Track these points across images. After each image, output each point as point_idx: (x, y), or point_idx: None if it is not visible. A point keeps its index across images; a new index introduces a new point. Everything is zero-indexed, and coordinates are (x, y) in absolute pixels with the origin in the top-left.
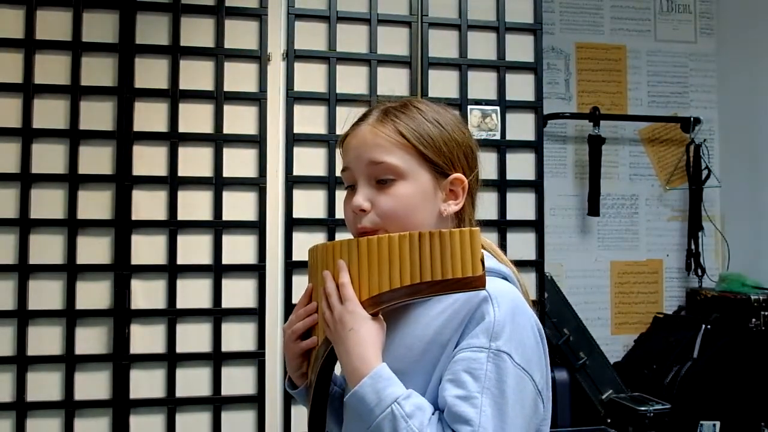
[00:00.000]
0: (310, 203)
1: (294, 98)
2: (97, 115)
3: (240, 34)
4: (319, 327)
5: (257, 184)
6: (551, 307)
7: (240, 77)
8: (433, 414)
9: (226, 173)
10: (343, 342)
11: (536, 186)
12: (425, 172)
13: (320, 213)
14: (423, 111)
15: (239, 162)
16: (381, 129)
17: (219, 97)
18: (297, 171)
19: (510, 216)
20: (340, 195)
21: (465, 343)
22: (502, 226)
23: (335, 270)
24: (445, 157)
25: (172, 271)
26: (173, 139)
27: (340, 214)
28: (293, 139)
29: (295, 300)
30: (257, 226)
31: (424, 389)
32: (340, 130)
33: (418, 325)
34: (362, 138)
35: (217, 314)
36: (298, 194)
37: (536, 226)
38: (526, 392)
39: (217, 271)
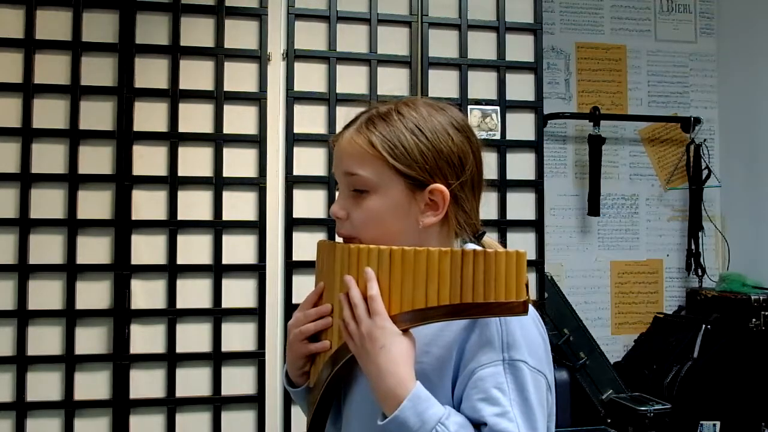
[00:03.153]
0: (310, 203)
1: (294, 98)
2: (97, 115)
3: (240, 34)
4: (334, 333)
5: (257, 184)
6: (551, 306)
7: (240, 77)
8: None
9: (226, 173)
10: (373, 360)
11: (536, 186)
12: (398, 184)
13: (320, 213)
14: (405, 118)
15: (239, 162)
16: (357, 139)
17: (219, 97)
18: (297, 171)
19: (510, 216)
20: None
21: (485, 357)
22: (502, 226)
23: (361, 278)
24: (420, 169)
25: (172, 271)
26: (173, 139)
27: None
28: (293, 139)
29: (295, 300)
30: (257, 226)
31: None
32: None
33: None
34: (341, 147)
35: (217, 314)
36: (298, 194)
37: (536, 226)
38: (542, 391)
39: (217, 271)
